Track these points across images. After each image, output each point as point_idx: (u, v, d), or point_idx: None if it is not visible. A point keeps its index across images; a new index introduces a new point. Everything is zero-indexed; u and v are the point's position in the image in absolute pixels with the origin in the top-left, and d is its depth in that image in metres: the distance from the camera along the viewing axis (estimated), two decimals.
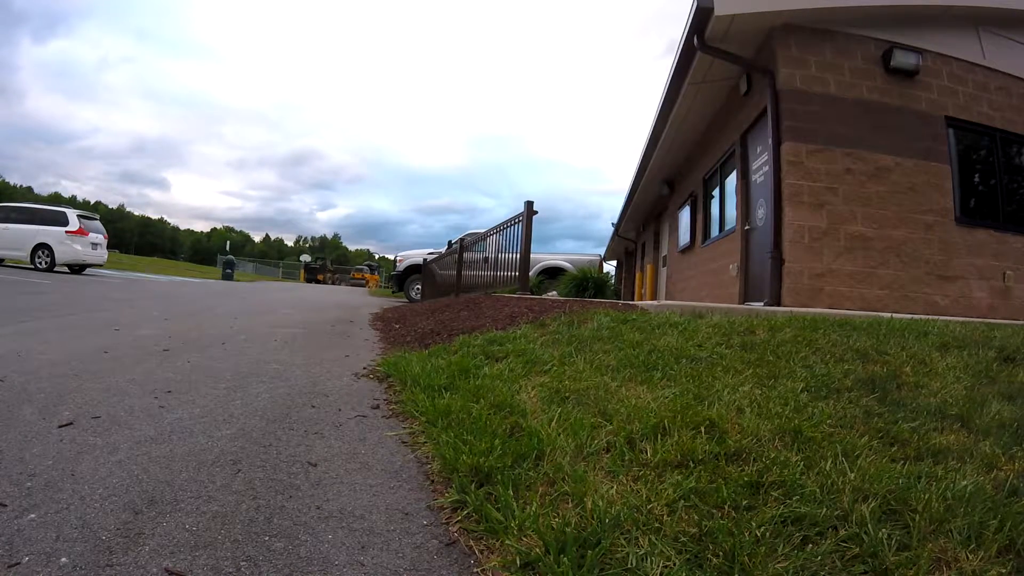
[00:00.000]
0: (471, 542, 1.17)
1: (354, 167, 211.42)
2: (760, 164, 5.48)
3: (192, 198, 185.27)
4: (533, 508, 1.21)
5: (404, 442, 1.82)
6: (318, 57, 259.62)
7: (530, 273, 7.50)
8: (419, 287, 12.78)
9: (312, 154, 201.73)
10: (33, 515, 1.17)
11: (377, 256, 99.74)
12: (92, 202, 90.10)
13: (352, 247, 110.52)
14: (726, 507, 1.17)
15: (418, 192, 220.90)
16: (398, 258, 13.75)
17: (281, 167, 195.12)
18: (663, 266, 10.88)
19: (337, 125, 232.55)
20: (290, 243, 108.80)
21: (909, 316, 3.61)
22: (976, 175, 5.37)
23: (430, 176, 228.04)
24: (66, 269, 12.65)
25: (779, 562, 1.00)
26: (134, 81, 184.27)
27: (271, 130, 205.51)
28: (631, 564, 1.02)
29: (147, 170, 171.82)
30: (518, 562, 1.06)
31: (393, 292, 16.47)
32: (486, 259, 7.88)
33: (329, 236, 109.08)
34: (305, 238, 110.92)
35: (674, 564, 1.01)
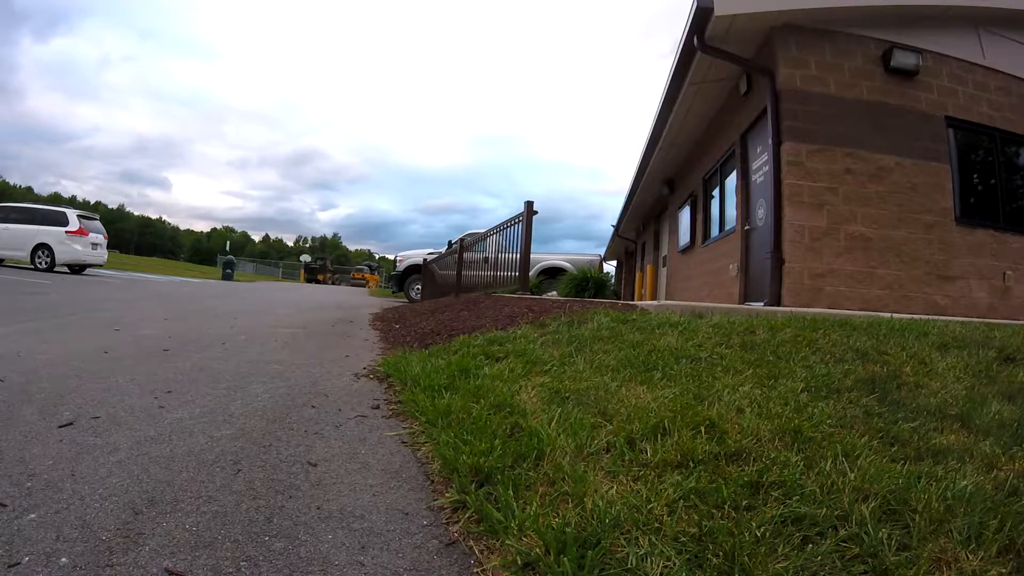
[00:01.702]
0: (471, 542, 1.17)
1: (356, 167, 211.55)
2: (760, 164, 5.48)
3: (193, 198, 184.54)
4: (533, 508, 1.21)
5: (404, 442, 1.82)
6: (321, 56, 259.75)
7: (530, 273, 7.49)
8: (419, 287, 12.78)
9: (314, 154, 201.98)
10: (33, 515, 1.17)
11: (377, 256, 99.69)
12: (92, 202, 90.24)
13: (353, 247, 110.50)
14: (726, 507, 1.17)
15: (420, 192, 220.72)
16: (398, 258, 13.75)
17: (283, 167, 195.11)
18: (663, 266, 10.88)
19: (339, 124, 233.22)
20: (290, 243, 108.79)
21: (909, 316, 3.61)
22: (976, 175, 5.37)
23: (432, 176, 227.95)
24: (66, 269, 12.65)
25: (779, 562, 1.00)
26: (135, 80, 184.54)
27: (273, 129, 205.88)
28: (631, 564, 1.02)
29: (148, 170, 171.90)
30: (518, 562, 1.06)
31: (393, 292, 16.48)
32: (486, 259, 7.88)
33: (330, 236, 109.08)
34: (305, 238, 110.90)
35: (674, 564, 1.01)
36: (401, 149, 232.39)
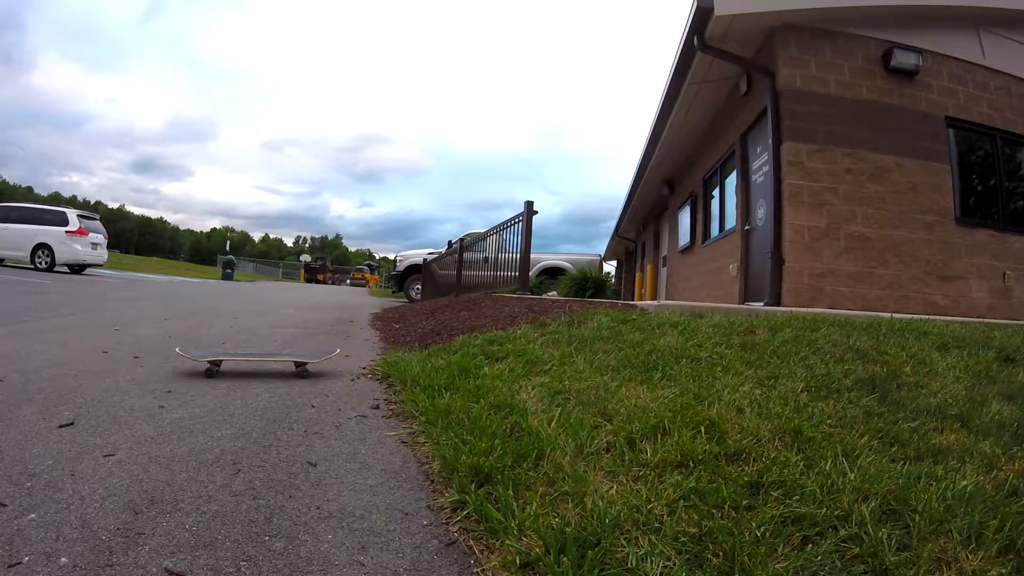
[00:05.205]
0: (471, 542, 1.17)
1: (360, 165, 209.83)
2: (760, 164, 5.48)
3: (215, 192, 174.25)
4: (533, 508, 1.21)
5: (404, 442, 1.82)
6: (357, 54, 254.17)
7: (530, 273, 7.49)
8: (419, 287, 12.79)
9: (374, 141, 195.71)
10: (33, 515, 1.17)
11: (378, 256, 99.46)
12: (95, 200, 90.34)
13: (374, 247, 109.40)
14: (726, 507, 1.17)
15: (469, 186, 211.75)
16: (398, 258, 13.77)
17: (333, 157, 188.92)
18: (663, 266, 10.88)
19: (403, 114, 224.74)
20: (290, 243, 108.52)
21: (909, 316, 3.61)
22: (976, 175, 5.37)
23: (488, 167, 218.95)
24: (66, 269, 12.65)
25: (779, 562, 1.00)
26: (165, 46, 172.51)
27: (330, 115, 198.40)
28: (631, 564, 1.02)
29: (169, 158, 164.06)
30: (518, 562, 1.06)
31: (393, 292, 16.47)
32: (486, 259, 7.88)
33: (353, 234, 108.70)
34: (304, 237, 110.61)
35: (674, 564, 1.01)
36: (463, 140, 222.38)
